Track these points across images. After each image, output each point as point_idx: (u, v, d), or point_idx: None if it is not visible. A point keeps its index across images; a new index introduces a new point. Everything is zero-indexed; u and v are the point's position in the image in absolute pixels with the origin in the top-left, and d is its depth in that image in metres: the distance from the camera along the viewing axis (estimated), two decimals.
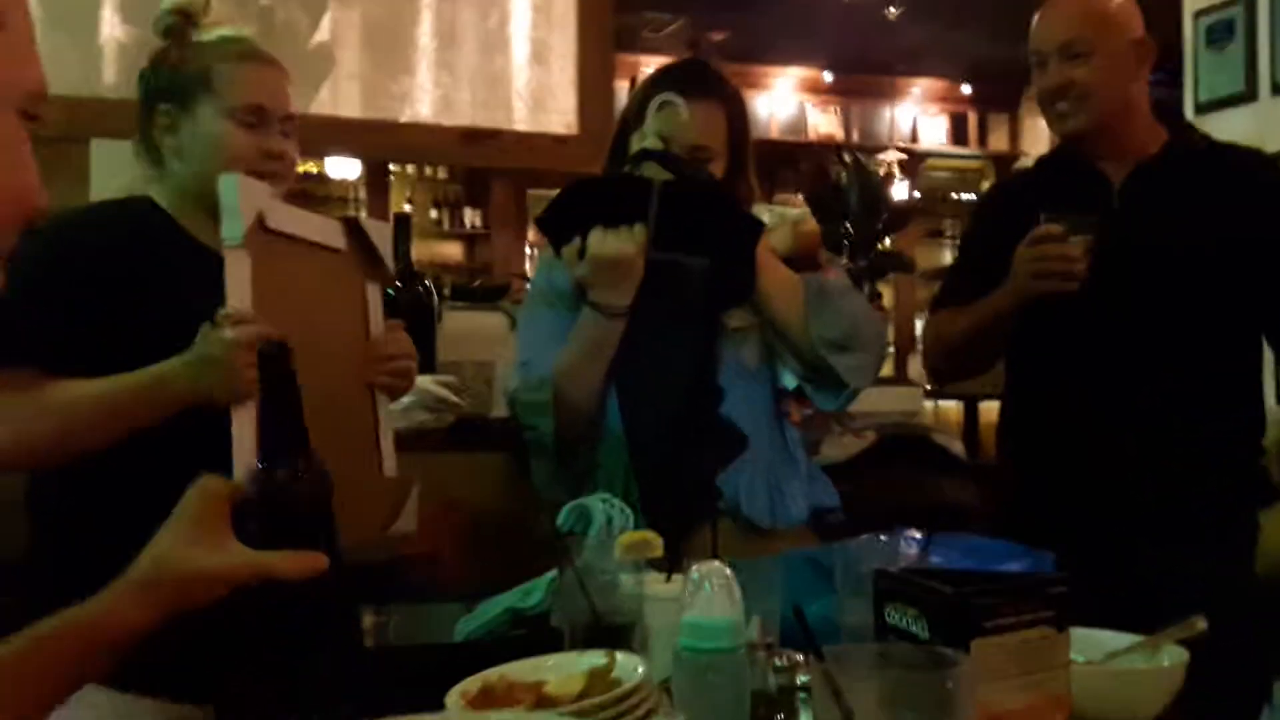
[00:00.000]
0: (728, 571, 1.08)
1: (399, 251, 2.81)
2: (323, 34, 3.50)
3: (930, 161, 9.75)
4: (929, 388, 4.46)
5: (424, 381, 2.47)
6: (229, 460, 1.39)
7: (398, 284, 2.69)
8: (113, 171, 2.84)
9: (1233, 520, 2.13)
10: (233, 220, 1.49)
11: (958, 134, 9.92)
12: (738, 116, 2.05)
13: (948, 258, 9.31)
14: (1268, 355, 2.23)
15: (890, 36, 8.17)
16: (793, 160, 8.62)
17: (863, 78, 9.43)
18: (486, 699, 1.08)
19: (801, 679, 1.20)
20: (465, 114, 3.67)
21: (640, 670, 1.09)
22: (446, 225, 8.76)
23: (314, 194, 7.80)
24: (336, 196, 8.18)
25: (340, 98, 3.53)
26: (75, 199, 3.01)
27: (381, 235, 1.77)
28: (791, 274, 1.99)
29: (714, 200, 1.93)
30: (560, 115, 3.78)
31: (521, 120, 3.73)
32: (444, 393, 2.56)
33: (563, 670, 1.14)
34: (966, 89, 9.74)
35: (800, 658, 1.22)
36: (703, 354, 1.90)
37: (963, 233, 2.62)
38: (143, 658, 1.05)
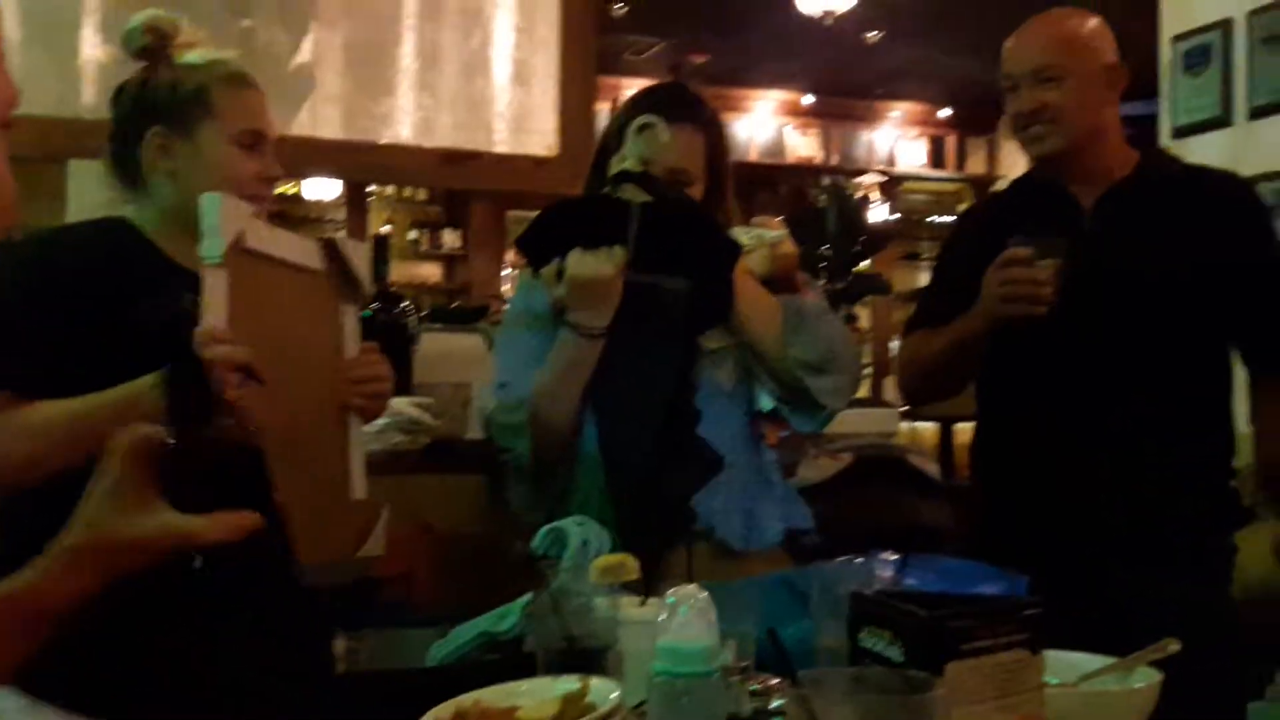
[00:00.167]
0: (703, 595, 1.07)
1: (377, 272, 2.82)
2: (304, 55, 3.50)
3: (908, 184, 9.81)
4: (905, 409, 4.47)
5: (399, 403, 2.47)
6: None
7: (375, 305, 2.69)
8: (90, 192, 2.83)
9: (1205, 543, 2.13)
10: (213, 239, 1.48)
11: (936, 157, 9.98)
12: (717, 140, 2.06)
13: (925, 280, 9.33)
14: (1239, 377, 2.24)
15: (869, 60, 8.23)
16: (772, 182, 8.66)
17: (842, 101, 9.49)
18: None
19: (777, 703, 1.20)
20: (446, 135, 3.67)
21: (615, 695, 1.08)
22: (425, 246, 8.76)
23: (292, 215, 7.78)
24: (315, 217, 8.17)
25: (320, 118, 3.53)
26: (52, 219, 3.01)
27: (359, 256, 1.76)
28: (769, 296, 1.99)
29: (692, 222, 1.94)
30: (541, 137, 3.78)
31: (502, 142, 3.74)
32: (419, 414, 2.55)
33: (537, 695, 1.13)
34: (945, 113, 9.80)
35: (776, 681, 1.22)
36: (680, 375, 1.90)
37: (937, 254, 2.62)
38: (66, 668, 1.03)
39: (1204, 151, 3.93)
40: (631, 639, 1.24)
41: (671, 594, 1.08)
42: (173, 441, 1.04)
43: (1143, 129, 2.34)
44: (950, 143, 10.00)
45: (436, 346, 2.92)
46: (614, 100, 6.42)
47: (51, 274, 1.67)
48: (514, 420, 1.93)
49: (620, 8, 7.12)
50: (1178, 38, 4.30)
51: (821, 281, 4.77)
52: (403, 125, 3.62)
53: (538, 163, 3.75)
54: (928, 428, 5.40)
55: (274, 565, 1.13)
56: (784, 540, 2.02)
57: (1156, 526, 2.09)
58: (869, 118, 9.73)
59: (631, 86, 6.89)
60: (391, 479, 1.84)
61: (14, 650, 1.00)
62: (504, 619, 1.48)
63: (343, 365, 1.73)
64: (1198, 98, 4.22)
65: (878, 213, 8.85)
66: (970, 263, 2.14)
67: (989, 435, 2.34)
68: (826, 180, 5.48)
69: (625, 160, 1.98)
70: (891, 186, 9.43)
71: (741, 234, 2.02)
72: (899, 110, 9.77)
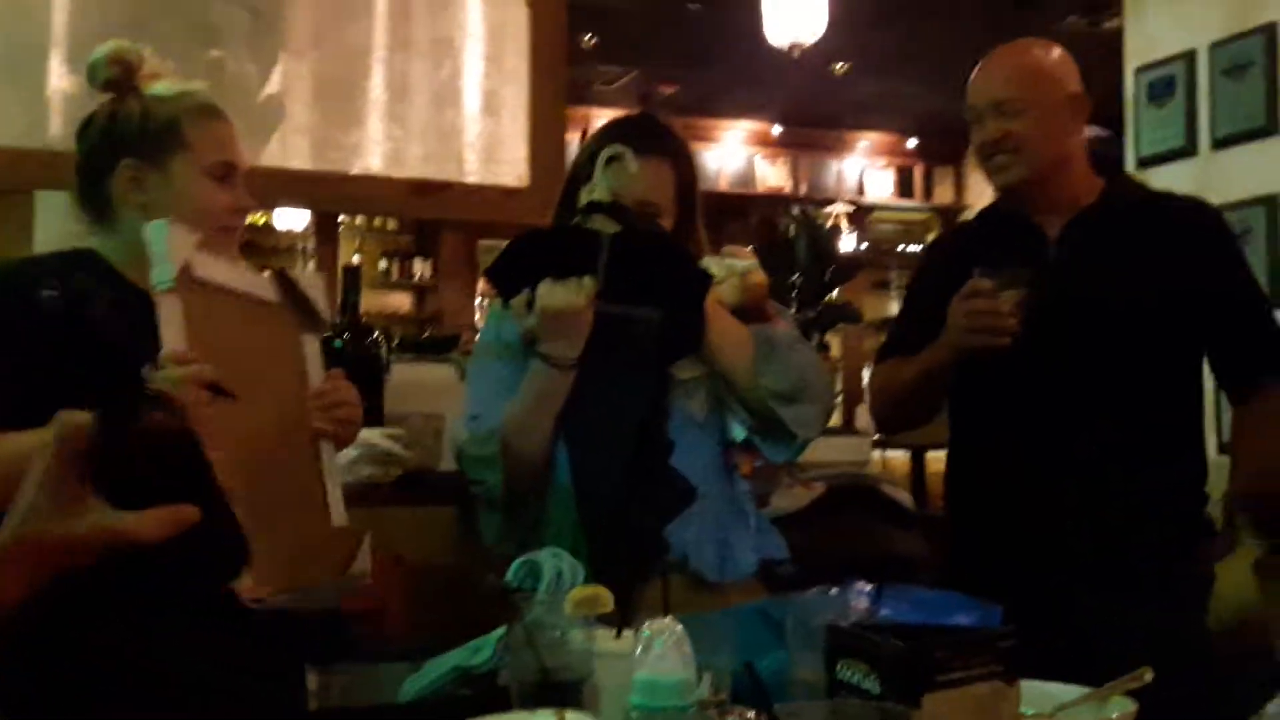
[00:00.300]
0: (679, 628, 1.07)
1: (348, 303, 2.80)
2: (273, 86, 3.49)
3: (877, 214, 9.88)
4: (877, 438, 4.48)
5: (371, 434, 2.45)
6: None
7: (346, 335, 2.67)
8: (57, 223, 2.81)
9: (1174, 569, 2.13)
10: (162, 264, 1.50)
11: (904, 187, 10.06)
12: (685, 172, 2.06)
13: (895, 308, 9.39)
14: (1208, 404, 2.25)
15: (838, 91, 8.30)
16: (742, 212, 8.70)
17: (811, 131, 9.56)
18: None
19: None
20: (416, 166, 3.67)
21: None
22: (395, 276, 8.75)
23: (262, 245, 7.75)
24: (285, 247, 8.14)
25: (290, 149, 3.51)
26: (18, 251, 2.98)
27: (313, 287, 1.77)
28: (740, 326, 1.99)
29: (663, 252, 1.94)
30: (511, 167, 3.78)
31: (472, 172, 3.73)
32: (390, 445, 2.53)
33: None
34: (912, 143, 9.89)
35: (753, 715, 1.21)
36: (652, 405, 1.89)
37: (908, 284, 2.64)
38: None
39: (1169, 182, 3.97)
40: (607, 672, 1.23)
41: (647, 627, 1.07)
42: (99, 431, 0.99)
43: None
44: (917, 173, 10.08)
45: (408, 377, 2.91)
46: (584, 130, 6.42)
47: (18, 306, 1.66)
48: (485, 452, 1.93)
49: (590, 38, 7.16)
50: (1141, 69, 4.36)
51: (792, 310, 4.79)
52: (373, 156, 3.61)
53: (508, 193, 3.74)
54: (899, 456, 5.42)
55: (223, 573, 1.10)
56: (758, 571, 2.01)
57: (1122, 553, 2.09)
58: (837, 148, 9.81)
59: (601, 116, 6.92)
60: (363, 511, 1.82)
61: None
62: (478, 652, 1.47)
63: (309, 394, 1.73)
64: (1162, 128, 4.27)
65: (847, 242, 8.90)
66: (938, 293, 2.15)
67: (959, 464, 2.35)
68: (796, 210, 5.50)
69: (594, 192, 1.98)
70: (860, 216, 9.49)
71: (712, 264, 2.03)
72: (867, 140, 9.84)
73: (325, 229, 8.10)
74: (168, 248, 1.50)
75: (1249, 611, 2.42)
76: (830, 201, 9.33)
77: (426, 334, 5.56)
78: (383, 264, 8.70)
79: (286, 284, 1.73)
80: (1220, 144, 4.10)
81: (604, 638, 1.30)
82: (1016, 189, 2.22)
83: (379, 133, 3.62)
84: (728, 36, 6.94)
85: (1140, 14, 4.41)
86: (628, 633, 1.27)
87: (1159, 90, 4.28)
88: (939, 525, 2.55)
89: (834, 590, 1.44)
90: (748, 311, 2.02)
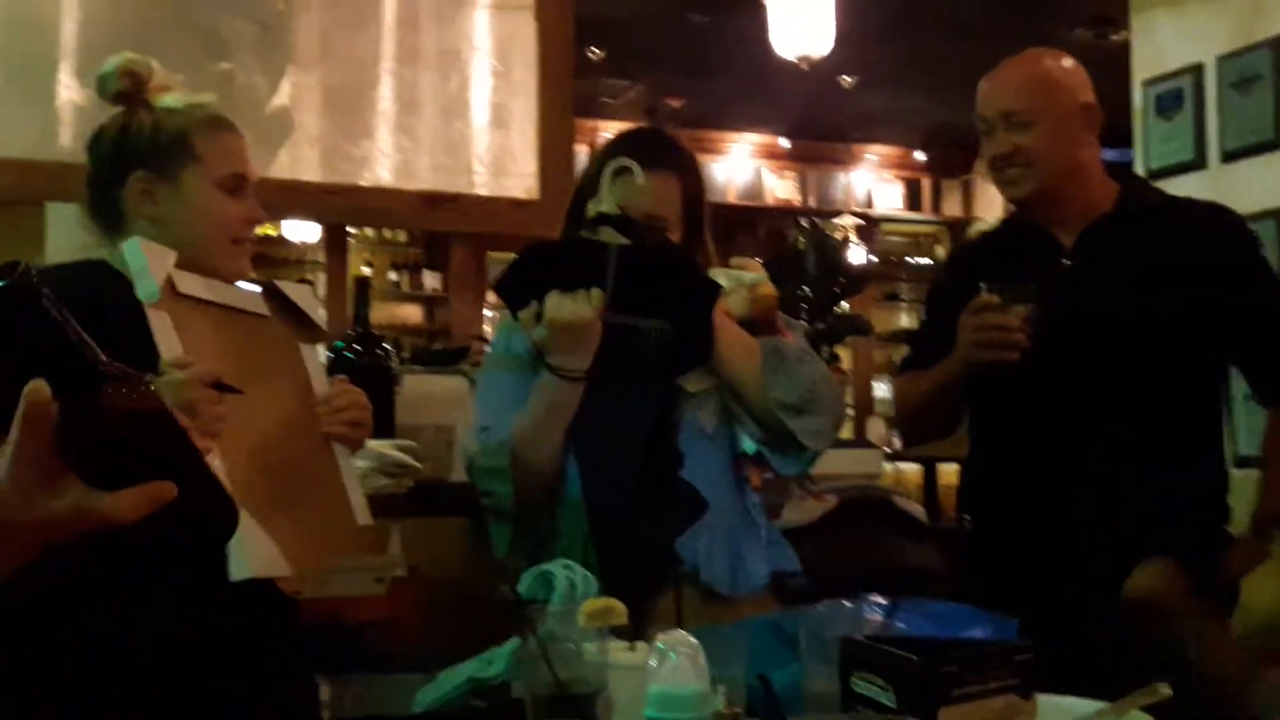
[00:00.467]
0: (693, 641, 1.06)
1: (359, 314, 2.81)
2: (282, 98, 3.50)
3: (886, 226, 9.86)
4: (889, 450, 4.48)
5: (382, 445, 2.45)
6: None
7: (357, 347, 2.68)
8: (69, 234, 2.81)
9: (1196, 581, 2.12)
10: (144, 279, 1.53)
11: (912, 199, 10.05)
12: (693, 185, 2.06)
13: (904, 321, 9.43)
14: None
15: (846, 104, 8.29)
16: (750, 225, 8.69)
17: (819, 144, 9.55)
18: None
19: None
20: (425, 178, 3.67)
21: None
22: (406, 288, 8.75)
23: (273, 257, 7.76)
24: (296, 259, 8.15)
25: (299, 161, 3.52)
26: (30, 262, 2.98)
27: (304, 297, 1.78)
28: (749, 338, 1.99)
29: (671, 264, 1.94)
30: (520, 180, 3.78)
31: (482, 184, 3.74)
32: (402, 457, 2.53)
33: None
34: (921, 155, 9.88)
35: None
36: (661, 417, 1.89)
37: (926, 296, 2.64)
38: None
39: (1178, 195, 3.96)
40: (621, 684, 1.23)
41: (661, 639, 1.07)
42: (64, 407, 0.96)
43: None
44: (926, 185, 10.07)
45: (419, 388, 2.91)
46: (591, 143, 6.44)
47: (30, 316, 1.66)
48: (495, 464, 1.92)
49: (597, 52, 7.17)
50: (1149, 82, 4.35)
51: (802, 322, 4.79)
52: (382, 167, 3.61)
53: (518, 205, 3.74)
54: (912, 469, 5.41)
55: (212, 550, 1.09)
56: (770, 583, 2.01)
57: (1138, 563, 2.08)
58: (845, 160, 9.80)
59: (609, 129, 6.94)
60: (376, 522, 1.82)
61: None
62: (491, 664, 1.47)
63: (315, 401, 1.75)
64: (1170, 142, 4.26)
65: (856, 254, 8.89)
66: (954, 306, 2.14)
67: (976, 473, 2.34)
68: (805, 222, 5.50)
69: (602, 204, 1.98)
70: (869, 228, 9.49)
71: (720, 275, 2.02)
72: (875, 153, 9.83)
73: (335, 241, 8.11)
74: (147, 261, 1.54)
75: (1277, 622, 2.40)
76: (838, 214, 9.31)
77: (437, 345, 5.56)
78: (392, 276, 8.70)
79: (277, 296, 1.75)
80: (1229, 157, 4.08)
81: (618, 650, 1.30)
82: (1029, 201, 2.21)
83: (388, 145, 3.62)
84: (735, 49, 6.94)
85: (1147, 27, 4.40)
86: (641, 645, 1.26)
87: (1167, 103, 4.27)
88: (952, 538, 2.54)
89: (848, 603, 1.43)
90: (757, 324, 2.02)
